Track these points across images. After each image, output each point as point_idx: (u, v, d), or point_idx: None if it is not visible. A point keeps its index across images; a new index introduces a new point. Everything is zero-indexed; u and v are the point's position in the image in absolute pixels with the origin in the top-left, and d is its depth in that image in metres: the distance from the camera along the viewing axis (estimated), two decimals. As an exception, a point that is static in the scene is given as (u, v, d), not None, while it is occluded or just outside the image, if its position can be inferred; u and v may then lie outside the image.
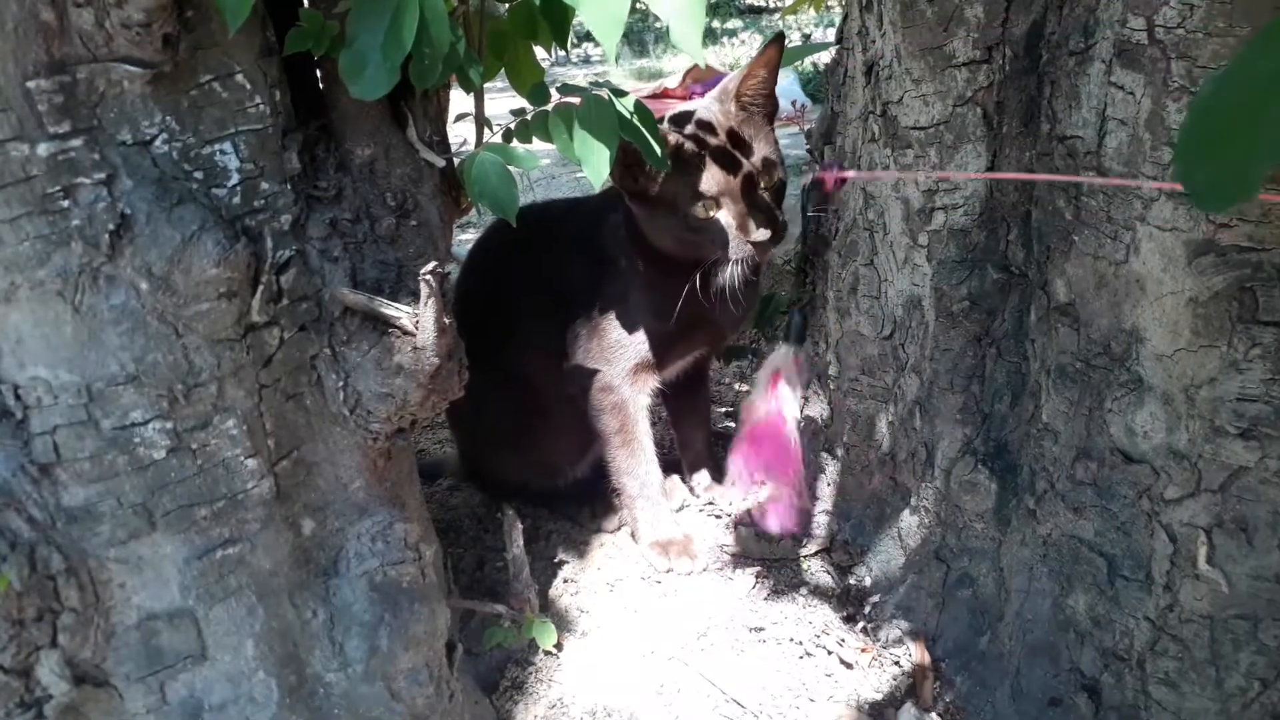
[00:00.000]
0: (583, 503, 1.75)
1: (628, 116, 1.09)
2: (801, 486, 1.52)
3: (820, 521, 1.62)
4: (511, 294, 1.66)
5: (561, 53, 1.43)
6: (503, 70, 1.20)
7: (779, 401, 1.45)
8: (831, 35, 1.90)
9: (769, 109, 1.48)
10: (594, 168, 1.05)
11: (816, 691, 1.35)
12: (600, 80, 1.13)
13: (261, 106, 0.89)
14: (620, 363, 1.56)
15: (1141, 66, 1.01)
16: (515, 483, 1.77)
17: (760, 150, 1.43)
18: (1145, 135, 1.02)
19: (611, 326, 1.56)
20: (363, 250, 0.98)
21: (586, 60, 9.16)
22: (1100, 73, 1.07)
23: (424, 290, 0.91)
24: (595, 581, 1.58)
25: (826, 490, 1.62)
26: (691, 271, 1.45)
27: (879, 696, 1.34)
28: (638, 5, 0.94)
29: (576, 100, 1.06)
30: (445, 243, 1.06)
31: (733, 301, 1.46)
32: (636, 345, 1.55)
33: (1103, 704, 1.19)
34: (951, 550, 1.39)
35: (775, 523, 1.54)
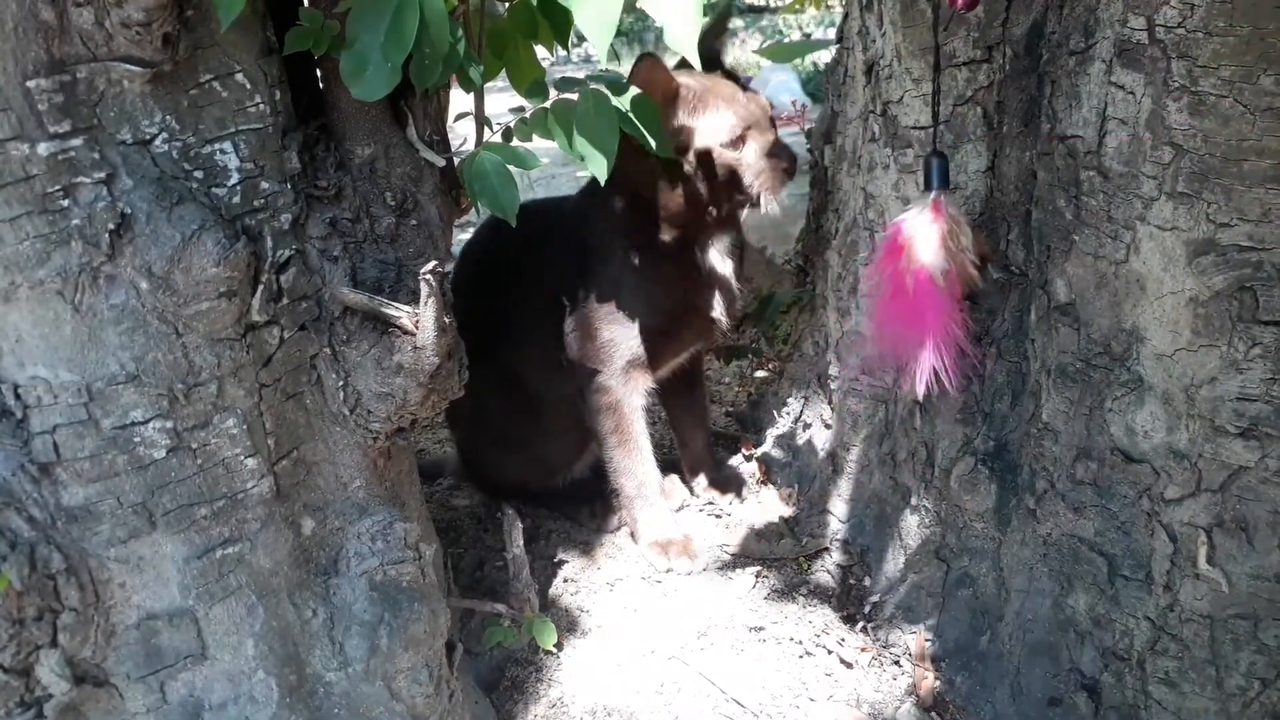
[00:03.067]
0: (582, 503, 1.75)
1: (625, 112, 1.08)
2: (950, 337, 1.18)
3: (820, 521, 1.62)
4: (504, 293, 1.66)
5: (562, 52, 1.44)
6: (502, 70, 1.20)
7: (905, 251, 1.14)
8: (832, 34, 1.90)
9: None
10: (597, 164, 1.05)
11: (816, 691, 1.35)
12: (597, 74, 1.12)
13: (262, 106, 0.89)
14: (613, 362, 1.56)
15: (1142, 66, 1.01)
16: (513, 483, 1.77)
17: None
18: (1145, 135, 1.02)
19: (603, 326, 1.55)
20: (363, 249, 0.98)
21: (587, 59, 9.16)
22: (1100, 72, 1.07)
23: (424, 290, 0.91)
24: (595, 581, 1.58)
25: (827, 490, 1.62)
26: (686, 251, 1.46)
27: (879, 696, 1.34)
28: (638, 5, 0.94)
29: (575, 96, 1.06)
30: (445, 242, 1.06)
31: (736, 275, 1.47)
32: (628, 343, 1.55)
33: (1102, 703, 1.19)
34: (951, 550, 1.39)
35: (922, 382, 1.20)
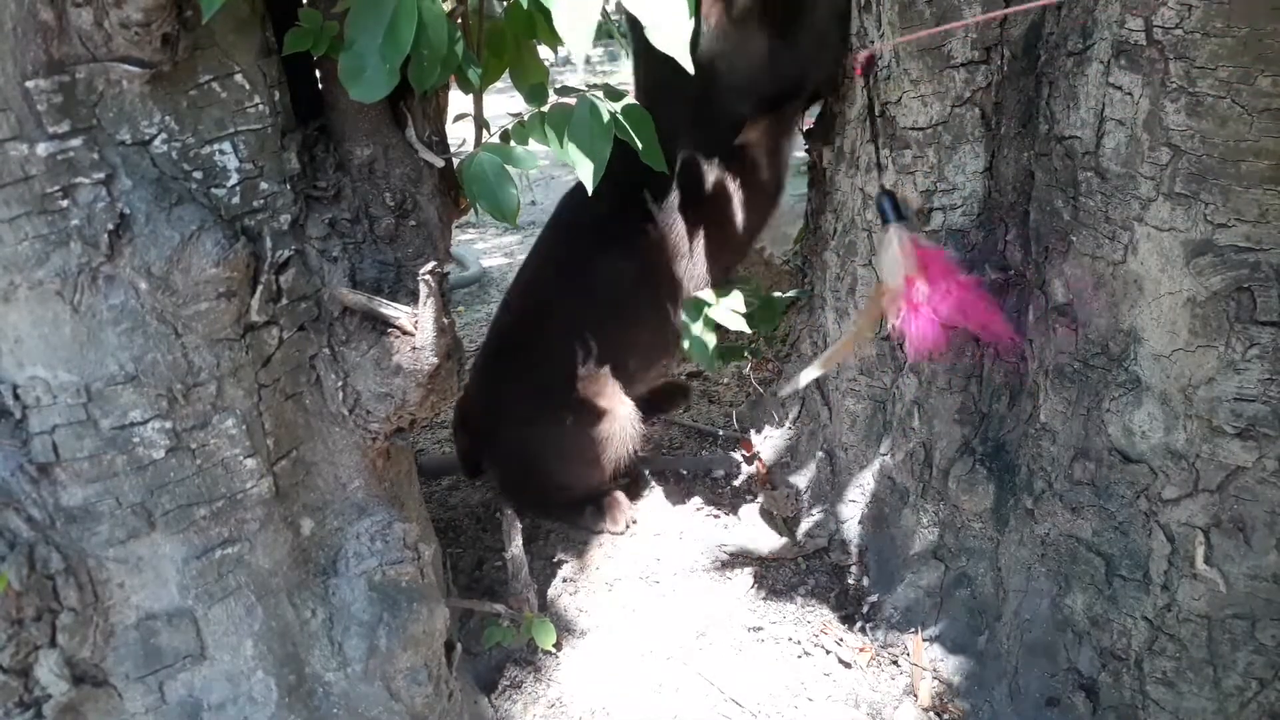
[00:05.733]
0: (584, 502, 1.74)
1: (620, 120, 1.08)
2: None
3: (819, 521, 1.62)
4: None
5: (564, 51, 1.44)
6: (504, 72, 1.20)
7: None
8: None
9: None
10: (584, 171, 1.04)
11: (815, 691, 1.35)
12: (598, 83, 1.12)
13: (261, 106, 0.89)
14: None
15: (1139, 67, 1.01)
16: (564, 488, 1.72)
17: None
18: (1143, 135, 1.02)
19: None
20: (362, 250, 0.98)
21: (588, 61, 9.14)
22: (1098, 73, 1.07)
23: (423, 290, 0.92)
24: (594, 581, 1.59)
25: (825, 490, 1.63)
26: None
27: (877, 696, 1.34)
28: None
29: (571, 102, 1.06)
30: (444, 243, 1.06)
31: None
32: None
33: (1100, 703, 1.19)
34: (949, 550, 1.39)
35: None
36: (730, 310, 1.55)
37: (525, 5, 1.04)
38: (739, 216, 1.61)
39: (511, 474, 1.75)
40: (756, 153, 1.59)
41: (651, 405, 1.82)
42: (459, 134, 1.12)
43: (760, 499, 1.74)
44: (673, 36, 0.86)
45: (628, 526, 1.70)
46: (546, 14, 1.08)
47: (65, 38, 0.77)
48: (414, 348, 0.94)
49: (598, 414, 1.66)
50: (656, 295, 1.63)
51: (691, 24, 0.86)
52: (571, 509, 1.74)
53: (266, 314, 0.91)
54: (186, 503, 0.89)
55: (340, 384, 0.97)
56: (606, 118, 1.05)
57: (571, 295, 1.64)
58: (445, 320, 0.94)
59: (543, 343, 1.66)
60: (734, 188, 1.59)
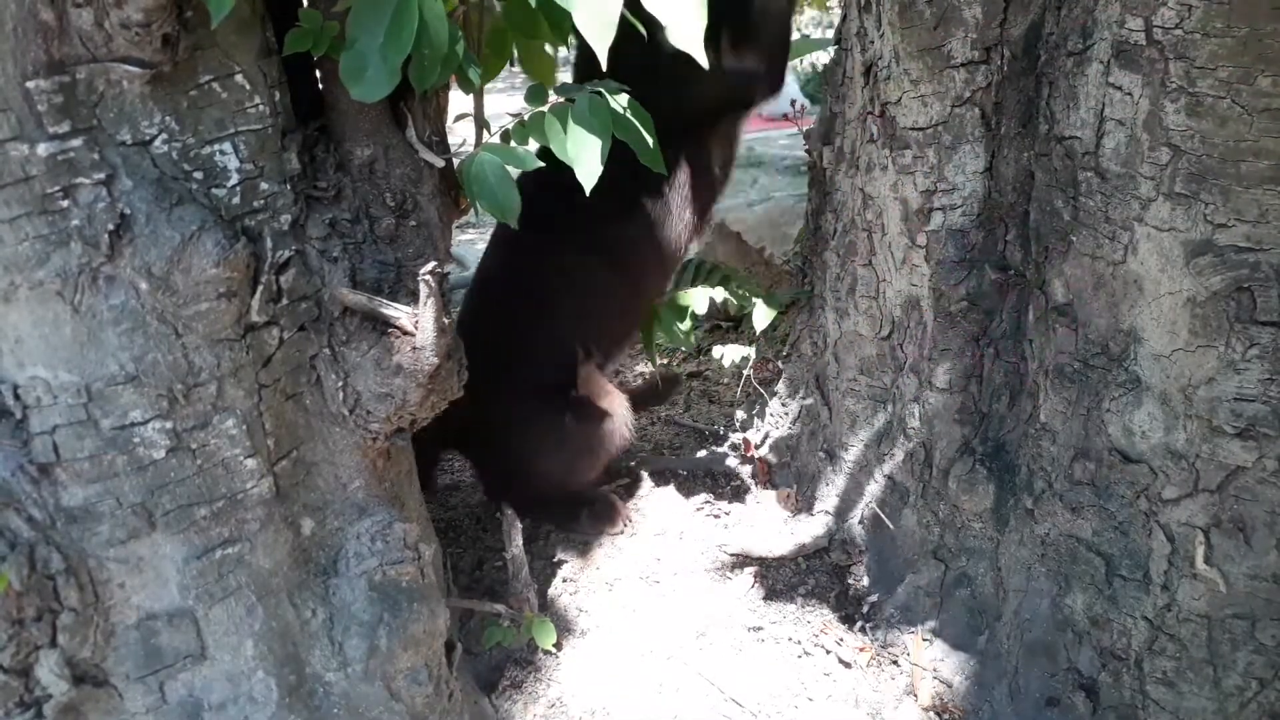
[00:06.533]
0: (581, 505, 1.74)
1: (622, 114, 1.08)
2: None
3: (819, 521, 1.62)
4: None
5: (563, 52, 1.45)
6: (503, 69, 1.20)
7: None
8: (830, 35, 1.90)
9: None
10: (585, 168, 1.04)
11: (815, 691, 1.35)
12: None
13: (261, 107, 0.89)
14: None
15: (1139, 67, 1.01)
16: (558, 481, 1.71)
17: None
18: (1143, 135, 1.02)
19: None
20: (362, 250, 0.98)
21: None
22: (1098, 73, 1.07)
23: (423, 290, 0.92)
24: (594, 581, 1.59)
25: (825, 490, 1.63)
26: None
27: (877, 696, 1.34)
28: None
29: (572, 100, 1.06)
30: (445, 243, 1.06)
31: None
32: None
33: (1100, 703, 1.19)
34: (950, 550, 1.39)
35: None
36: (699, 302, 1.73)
37: (534, 4, 1.04)
38: (691, 199, 1.66)
39: (501, 475, 1.76)
40: (708, 137, 1.66)
41: (644, 398, 1.84)
42: (459, 134, 1.12)
43: (760, 499, 1.74)
44: (690, 36, 0.86)
45: (625, 525, 1.70)
46: (553, 11, 1.08)
47: (66, 38, 0.77)
48: (414, 348, 0.94)
49: (591, 408, 1.66)
50: (617, 277, 1.65)
51: (704, 20, 0.87)
52: (567, 514, 1.74)
53: (267, 314, 0.90)
54: (187, 503, 0.89)
55: (340, 384, 0.97)
56: (608, 112, 1.05)
57: (534, 285, 1.64)
58: (445, 320, 0.94)
59: (515, 336, 1.63)
60: (684, 173, 1.63)
